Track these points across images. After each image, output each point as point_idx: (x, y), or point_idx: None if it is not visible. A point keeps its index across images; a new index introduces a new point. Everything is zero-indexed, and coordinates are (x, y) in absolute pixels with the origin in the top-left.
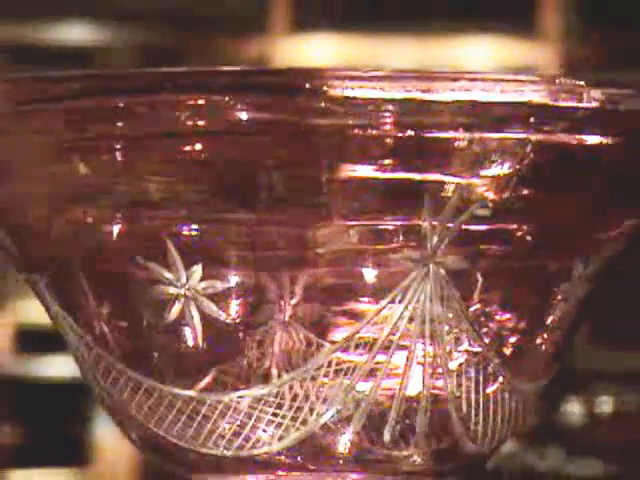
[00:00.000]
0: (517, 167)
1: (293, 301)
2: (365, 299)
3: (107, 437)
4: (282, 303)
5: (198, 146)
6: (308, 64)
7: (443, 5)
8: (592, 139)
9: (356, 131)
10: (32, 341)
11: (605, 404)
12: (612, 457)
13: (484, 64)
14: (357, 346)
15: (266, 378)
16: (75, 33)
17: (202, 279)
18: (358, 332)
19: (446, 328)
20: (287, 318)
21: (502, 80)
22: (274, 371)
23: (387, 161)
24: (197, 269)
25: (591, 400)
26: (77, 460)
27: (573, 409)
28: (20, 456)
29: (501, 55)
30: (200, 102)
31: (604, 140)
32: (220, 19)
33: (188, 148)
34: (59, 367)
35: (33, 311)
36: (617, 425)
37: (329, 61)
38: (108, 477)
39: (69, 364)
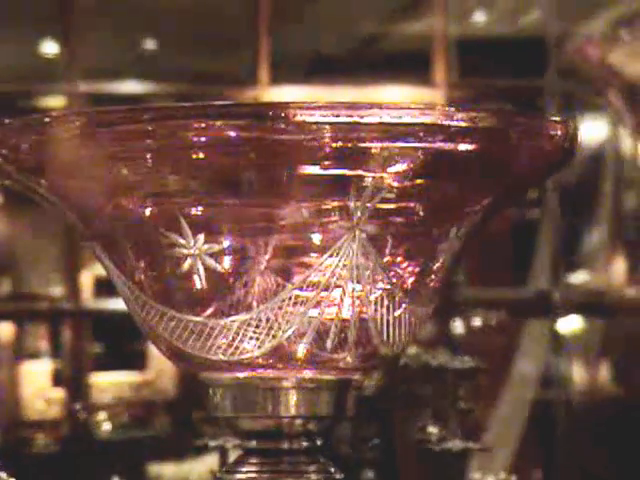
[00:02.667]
0: (412, 165)
1: (266, 257)
2: (313, 254)
3: (155, 351)
4: (259, 258)
5: (201, 155)
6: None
7: (368, 65)
8: (461, 146)
9: (305, 143)
10: (105, 287)
11: (476, 320)
12: (481, 356)
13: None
14: (308, 286)
15: (249, 308)
16: (130, 87)
17: (204, 243)
18: (309, 277)
19: (367, 273)
20: (263, 268)
21: (401, 108)
22: (254, 303)
23: (326, 162)
24: (201, 237)
25: (468, 318)
26: (137, 366)
27: (457, 324)
28: (99, 363)
29: (406, 98)
30: (202, 125)
31: (468, 147)
32: (221, 75)
33: (195, 156)
34: (123, 305)
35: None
36: (483, 335)
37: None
38: (158, 377)
39: None
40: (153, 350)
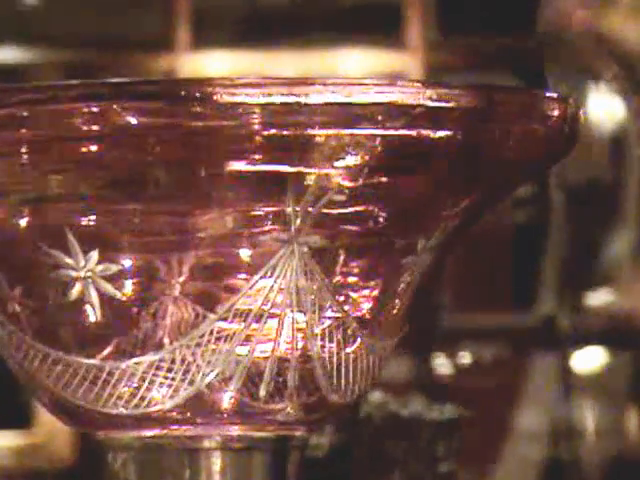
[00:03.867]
0: (367, 158)
1: (181, 279)
2: (241, 275)
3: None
4: (171, 281)
5: (93, 147)
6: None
7: (320, 22)
8: (430, 132)
9: (228, 131)
10: None
11: (464, 357)
12: (467, 403)
13: (357, 72)
14: (235, 316)
15: (159, 346)
16: (6, 54)
17: (98, 263)
18: (235, 304)
19: (311, 298)
20: (176, 294)
21: (351, 84)
22: (166, 340)
23: (256, 156)
24: (94, 254)
25: (453, 353)
26: (21, 425)
27: (438, 362)
28: None
29: (372, 64)
30: (94, 109)
31: (439, 133)
32: (131, 39)
33: (84, 149)
34: None
35: None
36: (473, 375)
37: (225, 74)
38: (49, 439)
39: None
40: None
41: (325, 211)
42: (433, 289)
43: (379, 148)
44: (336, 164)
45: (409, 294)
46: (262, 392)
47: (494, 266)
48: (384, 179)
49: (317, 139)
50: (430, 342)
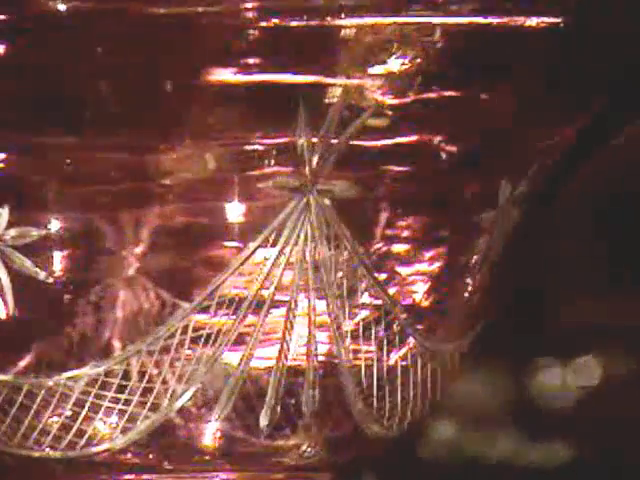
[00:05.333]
0: (421, 61)
1: (137, 250)
2: (229, 243)
3: None
4: (123, 253)
5: (1, 47)
6: None
7: None
8: (514, 20)
9: (208, 21)
10: None
11: (586, 371)
12: (590, 440)
13: None
14: (221, 305)
15: (105, 352)
16: None
17: (10, 226)
18: (221, 287)
19: (336, 277)
20: (131, 272)
21: None
22: (116, 343)
23: (251, 60)
24: (3, 213)
25: (569, 366)
26: None
27: (544, 378)
28: None
29: None
30: None
31: (534, 21)
32: None
33: None
34: None
35: None
36: (601, 398)
37: None
38: None
39: None
40: None
41: (357, 143)
42: (533, 266)
43: (439, 45)
44: (373, 71)
45: (488, 271)
46: (263, 421)
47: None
48: (447, 94)
49: (343, 32)
50: (531, 348)
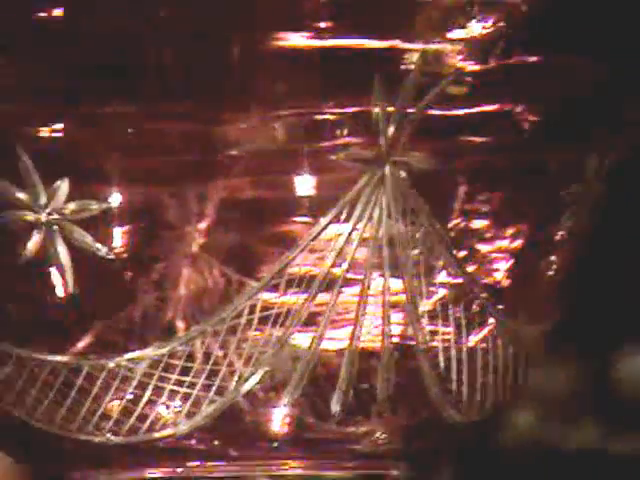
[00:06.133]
0: (504, 25)
1: (202, 225)
2: (299, 218)
3: None
4: (187, 229)
5: (56, 11)
6: None
7: None
8: None
9: None
10: None
11: None
12: None
13: None
14: (290, 283)
15: (168, 333)
16: None
17: (70, 199)
18: (290, 264)
19: (413, 253)
20: (195, 249)
21: None
22: (180, 323)
23: (323, 24)
24: (62, 185)
25: None
26: None
27: (628, 365)
28: None
29: None
30: None
31: None
32: None
33: (41, 14)
34: None
35: None
36: None
37: None
38: None
39: None
40: None
41: (435, 113)
42: (621, 244)
43: (523, 7)
44: (452, 35)
45: (572, 250)
46: (335, 406)
47: None
48: (530, 59)
49: None
50: (614, 335)
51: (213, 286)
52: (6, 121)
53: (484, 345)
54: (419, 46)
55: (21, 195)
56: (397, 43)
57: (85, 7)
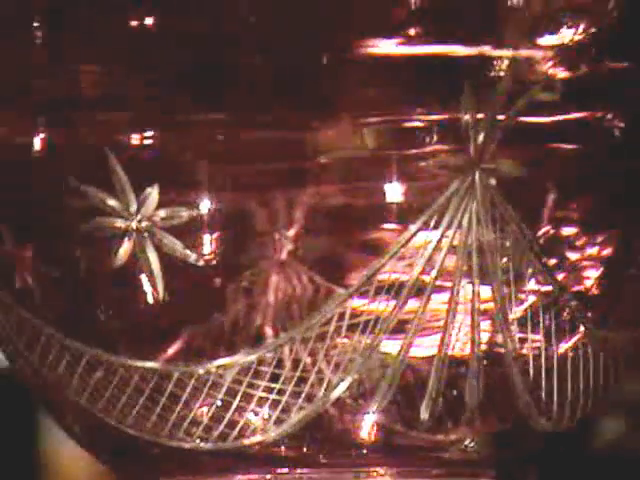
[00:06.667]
0: (595, 31)
1: (291, 232)
2: (388, 225)
3: (56, 445)
4: (276, 235)
5: (148, 20)
6: None
7: None
8: None
9: None
10: None
11: None
12: None
13: None
14: (379, 290)
15: (257, 340)
16: None
17: (160, 206)
18: (379, 271)
19: (502, 261)
20: (284, 256)
21: None
22: (268, 330)
23: (412, 30)
24: (153, 192)
25: None
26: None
27: None
28: None
29: None
30: None
31: None
32: None
33: (134, 22)
34: None
35: None
36: None
37: None
38: None
39: None
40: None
41: (525, 120)
42: None
43: (614, 13)
44: (543, 41)
45: None
46: (424, 414)
47: None
48: (622, 65)
49: (512, 0)
50: None
51: (301, 293)
52: (98, 129)
53: (574, 353)
54: (509, 53)
55: (112, 202)
56: (487, 50)
57: (178, 16)
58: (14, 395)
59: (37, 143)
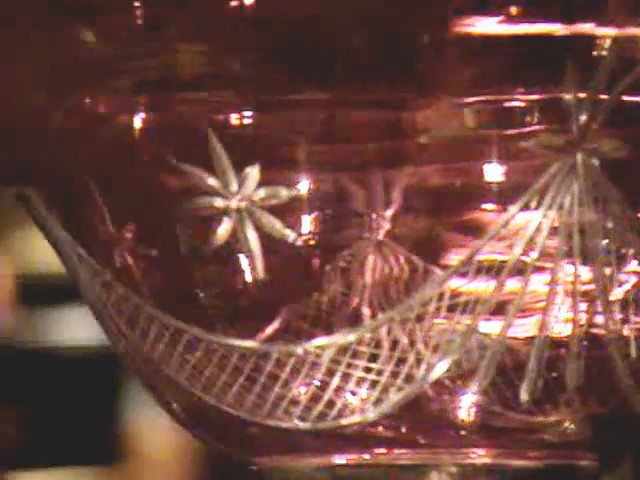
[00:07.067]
0: None
1: (389, 212)
2: (488, 206)
3: (143, 423)
4: (374, 215)
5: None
6: None
7: None
8: None
9: None
10: (39, 293)
11: None
12: None
13: None
14: (479, 271)
15: (355, 320)
16: None
17: (260, 185)
18: (479, 251)
19: (604, 242)
20: (381, 236)
21: None
22: (365, 310)
23: (513, 8)
24: (252, 172)
25: None
26: (101, 456)
27: None
28: (24, 453)
29: None
30: None
31: None
32: None
33: (234, 2)
34: (73, 328)
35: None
36: None
37: None
38: (145, 477)
39: (86, 324)
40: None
41: (629, 99)
42: None
43: None
44: None
45: None
46: (524, 395)
47: None
48: None
49: None
50: None
51: (399, 273)
52: (198, 108)
53: None
54: (613, 31)
55: (212, 182)
56: (590, 28)
57: None
58: (98, 372)
59: (137, 123)
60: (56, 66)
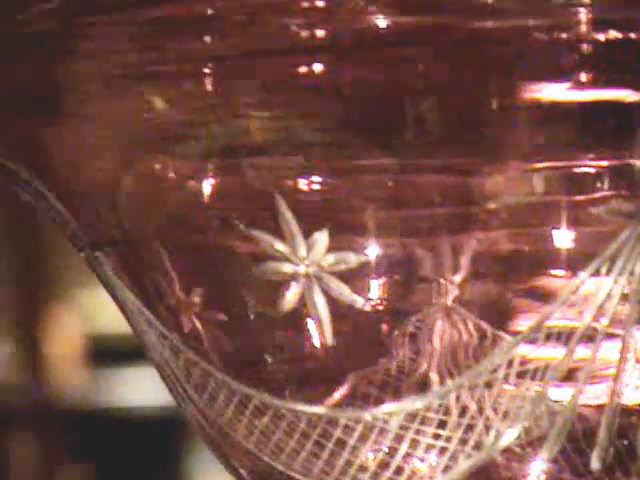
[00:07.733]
0: None
1: (457, 278)
2: (557, 272)
3: None
4: (442, 281)
5: (317, 66)
6: None
7: None
8: None
9: (538, 35)
10: (107, 355)
11: None
12: None
13: None
14: (549, 337)
15: (423, 386)
16: None
17: (328, 251)
18: (549, 318)
19: None
20: (450, 302)
21: None
22: (434, 376)
23: (583, 76)
24: (321, 237)
25: None
26: None
27: None
28: None
29: None
30: (319, 4)
31: None
32: None
33: (303, 69)
34: (139, 391)
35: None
36: None
37: None
38: None
39: (152, 386)
40: None
41: None
42: None
43: None
44: None
45: None
46: (595, 463)
47: None
48: None
49: None
50: None
51: (468, 339)
52: (267, 173)
53: None
54: None
55: (281, 247)
56: None
57: (343, 62)
58: (164, 433)
59: (206, 188)
60: (126, 131)
